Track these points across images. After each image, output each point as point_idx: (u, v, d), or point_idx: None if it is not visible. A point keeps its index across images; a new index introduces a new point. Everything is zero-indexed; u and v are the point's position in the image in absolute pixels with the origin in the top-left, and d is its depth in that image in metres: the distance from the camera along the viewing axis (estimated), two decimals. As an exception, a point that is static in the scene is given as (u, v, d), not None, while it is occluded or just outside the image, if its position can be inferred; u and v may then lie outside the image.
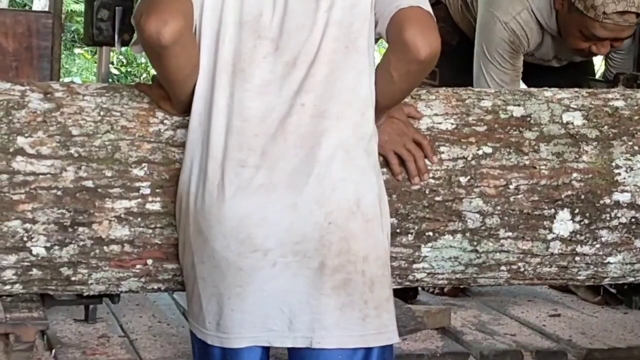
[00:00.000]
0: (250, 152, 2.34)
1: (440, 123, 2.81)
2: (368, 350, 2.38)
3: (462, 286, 3.64)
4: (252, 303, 2.33)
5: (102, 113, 2.63)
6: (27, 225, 2.54)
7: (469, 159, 2.77)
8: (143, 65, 13.07)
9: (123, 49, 3.73)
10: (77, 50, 13.25)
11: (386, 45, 2.47)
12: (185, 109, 2.58)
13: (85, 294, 2.76)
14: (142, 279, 2.71)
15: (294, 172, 2.32)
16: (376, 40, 2.54)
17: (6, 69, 3.05)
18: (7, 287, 2.63)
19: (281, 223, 2.30)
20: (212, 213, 2.33)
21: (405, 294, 3.72)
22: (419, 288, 4.06)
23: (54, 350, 2.98)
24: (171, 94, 2.57)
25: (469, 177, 2.77)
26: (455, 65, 4.18)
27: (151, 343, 3.14)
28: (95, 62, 12.08)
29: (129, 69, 13.41)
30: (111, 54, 3.87)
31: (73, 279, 2.66)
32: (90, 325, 3.26)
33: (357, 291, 2.34)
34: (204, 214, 2.35)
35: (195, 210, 2.38)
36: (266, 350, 2.43)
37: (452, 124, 2.82)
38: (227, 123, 2.38)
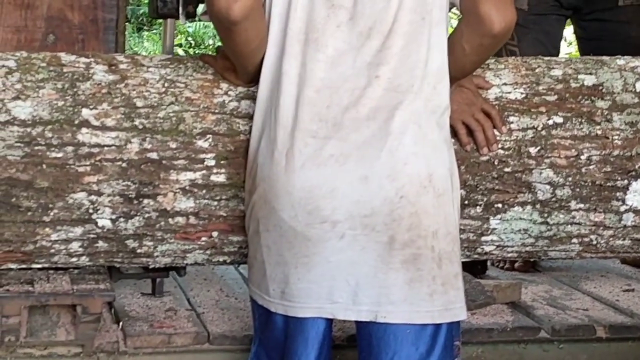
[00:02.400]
0: (322, 123, 2.31)
1: (509, 93, 2.75)
2: (436, 326, 2.34)
3: (532, 259, 3.58)
4: (319, 274, 2.30)
5: (166, 84, 2.62)
6: (93, 197, 2.54)
7: (539, 129, 2.71)
8: (211, 46, 13.12)
9: (187, 21, 3.70)
10: (145, 33, 13.35)
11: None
12: (251, 80, 2.56)
13: (151, 266, 2.75)
14: (208, 252, 2.70)
15: (365, 144, 2.28)
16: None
17: (72, 42, 3.04)
18: (74, 259, 2.64)
19: (351, 195, 2.27)
20: (280, 183, 2.30)
21: (474, 269, 3.67)
22: (488, 264, 4.01)
23: (121, 323, 2.98)
24: (237, 65, 2.55)
25: (539, 148, 2.71)
26: None
27: (218, 317, 3.12)
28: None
29: (197, 51, 13.47)
30: (179, 35, 3.87)
31: (139, 251, 2.65)
32: (157, 298, 3.26)
33: (426, 267, 2.31)
34: (271, 183, 2.33)
35: (263, 179, 2.36)
36: (329, 322, 2.40)
37: (522, 93, 2.75)
38: (298, 93, 2.35)
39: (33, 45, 3.00)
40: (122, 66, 2.64)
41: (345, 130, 2.30)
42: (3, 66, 2.55)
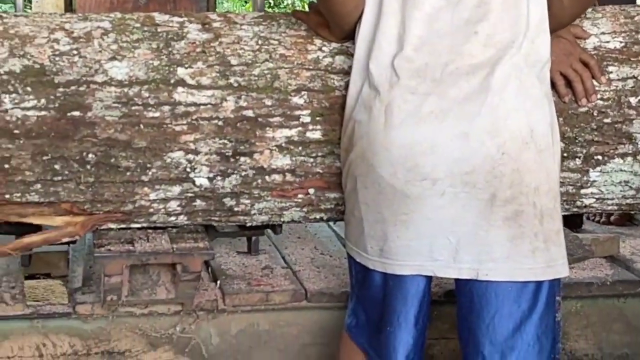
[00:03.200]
0: (421, 79, 2.28)
1: (608, 42, 2.68)
2: (538, 283, 2.31)
3: (632, 212, 3.50)
4: (418, 231, 2.28)
5: (260, 42, 2.61)
6: (190, 156, 2.55)
7: (640, 78, 2.64)
8: (290, 5, 13.08)
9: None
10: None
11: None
12: (345, 36, 2.54)
13: (248, 224, 2.76)
14: (304, 209, 2.70)
15: (465, 100, 2.25)
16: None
17: (164, 2, 3.05)
18: (172, 218, 2.66)
19: (451, 153, 2.24)
20: (379, 140, 2.28)
21: (570, 223, 3.61)
22: (584, 217, 3.94)
23: (218, 281, 3.00)
24: (332, 24, 2.53)
25: (639, 98, 2.63)
26: None
27: (314, 274, 3.13)
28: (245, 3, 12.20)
29: (276, 11, 13.44)
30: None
31: (236, 209, 2.66)
32: (253, 257, 3.27)
33: (528, 223, 2.27)
34: (370, 141, 2.30)
35: (361, 136, 2.33)
36: (429, 280, 2.39)
37: (621, 42, 2.68)
38: (396, 51, 2.33)
39: (126, 6, 3.02)
40: (215, 25, 2.63)
41: (445, 86, 2.26)
42: (98, 27, 2.57)
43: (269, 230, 3.05)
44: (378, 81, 2.32)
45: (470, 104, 2.24)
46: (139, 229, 2.71)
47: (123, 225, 2.67)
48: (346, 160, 2.43)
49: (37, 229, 2.74)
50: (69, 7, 3.44)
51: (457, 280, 2.35)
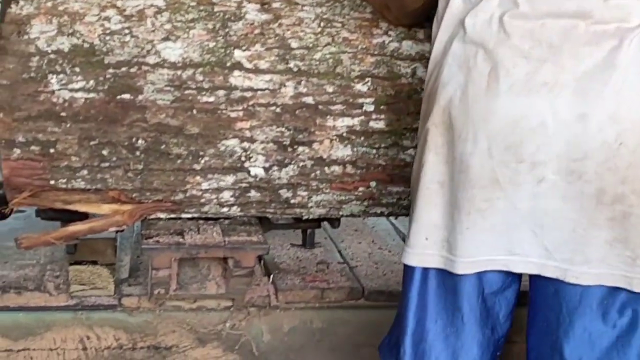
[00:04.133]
0: (535, 42, 1.95)
1: None
2: (630, 294, 2.02)
3: None
4: (498, 222, 1.99)
5: (322, 24, 2.45)
6: (245, 145, 2.40)
7: None
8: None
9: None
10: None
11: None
12: (412, 21, 2.37)
13: (305, 217, 2.61)
14: (365, 203, 2.54)
15: (586, 75, 1.92)
16: None
17: (221, -20, 2.88)
18: (225, 209, 2.51)
19: (562, 134, 1.92)
20: (477, 107, 1.95)
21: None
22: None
23: (272, 276, 2.85)
24: (398, 5, 2.35)
25: None
26: None
27: (372, 270, 2.97)
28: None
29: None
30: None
31: (292, 201, 2.51)
32: (308, 250, 3.12)
33: (634, 228, 1.97)
34: (463, 107, 1.97)
35: (447, 100, 2.01)
36: (505, 274, 2.10)
37: None
38: (509, 4, 1.98)
39: (181, -17, 2.85)
40: (275, 5, 2.47)
41: (563, 55, 1.93)
42: (152, 5, 2.41)
43: (326, 223, 2.89)
44: (481, 37, 1.99)
45: (592, 81, 1.91)
46: (189, 219, 2.57)
47: (173, 215, 2.53)
48: (422, 129, 2.11)
49: (83, 216, 2.62)
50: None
51: (534, 277, 2.08)
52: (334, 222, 2.81)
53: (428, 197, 2.07)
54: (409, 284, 2.17)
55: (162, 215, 2.52)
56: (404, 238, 3.02)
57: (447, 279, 2.12)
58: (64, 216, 2.59)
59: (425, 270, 2.13)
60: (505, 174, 1.96)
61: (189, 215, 2.54)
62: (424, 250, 2.10)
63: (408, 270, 2.17)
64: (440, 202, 2.06)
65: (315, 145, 2.43)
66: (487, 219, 2.00)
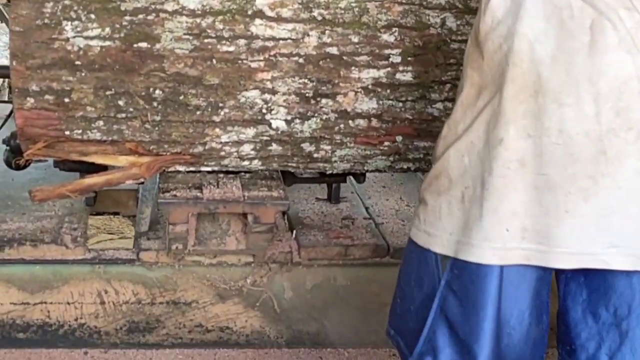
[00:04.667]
0: None
1: None
2: None
3: None
4: (600, 205, 1.67)
5: (348, -30, 2.34)
6: (266, 96, 2.31)
7: None
8: None
9: None
10: None
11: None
12: None
13: (329, 172, 2.52)
14: (390, 158, 2.45)
15: None
16: None
17: None
18: (246, 162, 2.43)
19: None
20: (580, 67, 1.62)
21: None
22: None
23: (294, 231, 2.77)
24: None
25: None
26: None
27: (399, 228, 2.88)
28: None
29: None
30: None
31: (315, 155, 2.42)
32: (333, 205, 3.03)
33: None
34: (560, 68, 1.63)
35: (539, 62, 1.64)
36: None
37: None
38: None
39: None
40: (299, -50, 2.37)
41: None
42: (171, -51, 2.32)
43: (352, 178, 2.81)
44: None
45: None
46: (209, 172, 2.49)
47: (192, 168, 2.45)
48: (479, 98, 1.74)
49: (102, 168, 2.55)
50: None
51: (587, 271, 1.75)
52: (359, 177, 2.73)
53: (508, 179, 1.69)
54: (481, 287, 1.76)
55: (180, 168, 2.44)
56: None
57: (529, 273, 1.78)
58: (83, 167, 2.52)
59: (503, 268, 1.76)
60: (613, 144, 1.64)
61: (209, 169, 2.46)
62: (504, 244, 1.72)
63: (478, 270, 1.76)
64: (522, 185, 1.69)
65: (340, 98, 2.33)
66: (589, 201, 1.67)
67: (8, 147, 2.81)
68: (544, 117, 1.65)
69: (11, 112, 2.43)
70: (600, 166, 1.64)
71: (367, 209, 3.03)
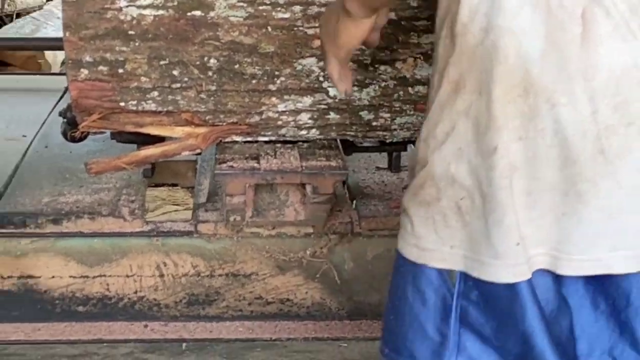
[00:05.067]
0: None
1: None
2: None
3: None
4: (601, 207, 1.53)
5: None
6: (323, 63, 2.25)
7: None
8: None
9: None
10: None
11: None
12: None
13: (388, 140, 2.47)
14: (452, 125, 2.38)
15: None
16: None
17: None
18: (303, 132, 2.38)
19: None
20: (572, 62, 1.46)
21: None
22: None
23: (354, 201, 2.71)
24: None
25: None
26: None
27: (461, 195, 2.79)
28: None
29: None
30: None
31: (374, 124, 2.37)
32: (393, 174, 2.96)
33: None
34: (551, 64, 1.46)
35: (526, 58, 1.46)
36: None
37: None
38: None
39: None
40: None
41: None
42: None
43: (412, 146, 2.74)
44: None
45: None
46: (266, 142, 2.44)
47: (249, 138, 2.41)
48: (458, 102, 1.53)
49: (158, 139, 2.52)
50: None
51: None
52: (421, 144, 2.65)
53: (508, 189, 1.53)
54: (509, 302, 1.60)
55: (237, 139, 2.41)
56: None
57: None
58: (139, 139, 2.49)
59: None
60: (612, 142, 1.50)
61: (266, 139, 2.42)
62: (517, 259, 1.56)
63: (498, 287, 1.60)
64: (517, 192, 1.53)
65: (398, 64, 2.28)
66: (588, 205, 1.54)
67: (65, 120, 2.80)
68: (536, 119, 1.48)
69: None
70: (599, 167, 1.49)
71: (429, 177, 2.95)
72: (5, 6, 7.47)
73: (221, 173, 2.29)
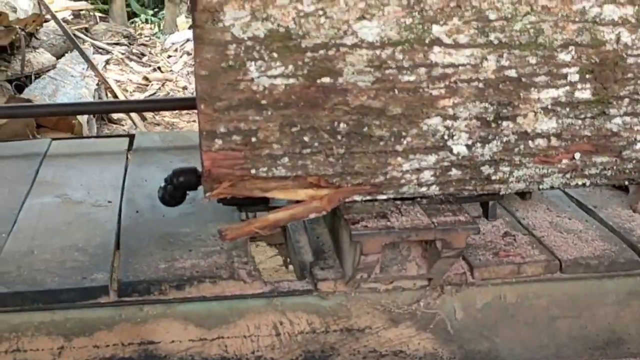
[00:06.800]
0: None
1: None
2: None
3: None
4: None
5: (518, -7, 2.36)
6: (448, 122, 2.33)
7: None
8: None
9: None
10: None
11: None
12: None
13: (502, 193, 2.53)
14: (567, 175, 2.46)
15: None
16: None
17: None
18: (423, 188, 2.45)
19: None
20: None
21: None
22: None
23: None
24: None
25: None
26: None
27: (562, 241, 2.87)
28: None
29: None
30: None
31: (493, 177, 2.44)
32: (488, 222, 3.03)
33: None
34: None
35: None
36: None
37: None
38: None
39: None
40: (466, -25, 2.38)
41: None
42: (342, -16, 2.34)
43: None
44: None
45: None
46: (384, 200, 2.51)
47: (368, 197, 2.47)
48: None
49: (264, 201, 2.58)
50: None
51: None
52: (525, 194, 2.74)
53: None
54: None
55: (358, 198, 2.47)
56: (579, 203, 2.93)
57: None
58: (240, 200, 2.54)
59: None
60: None
61: (385, 197, 2.48)
62: None
63: None
64: None
65: (520, 119, 2.35)
66: None
67: (170, 185, 2.85)
68: None
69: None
70: None
71: (520, 222, 3.03)
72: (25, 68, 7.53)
73: (358, 233, 2.35)
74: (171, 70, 12.99)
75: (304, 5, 2.30)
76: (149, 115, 9.04)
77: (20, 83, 7.48)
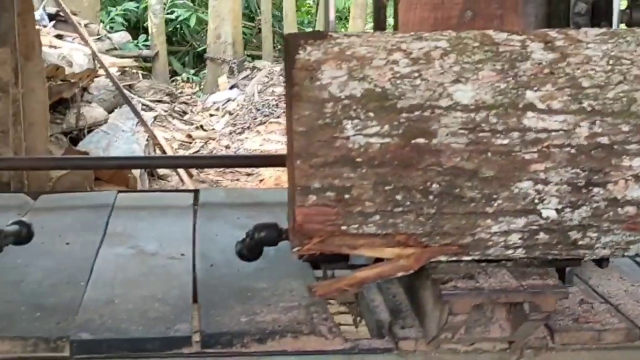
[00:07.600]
0: None
1: None
2: None
3: None
4: None
5: (611, 62, 2.40)
6: (539, 187, 2.36)
7: None
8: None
9: None
10: None
11: None
12: None
13: (586, 259, 2.55)
14: (656, 243, 2.48)
15: None
16: None
17: (491, 17, 2.83)
18: (510, 251, 2.47)
19: None
20: None
21: None
22: None
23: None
24: None
25: None
26: None
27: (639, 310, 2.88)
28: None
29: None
30: None
31: (580, 243, 2.45)
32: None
33: None
34: None
35: None
36: None
37: None
38: None
39: (450, 22, 2.82)
40: (558, 43, 2.43)
41: None
42: (436, 47, 2.40)
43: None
44: None
45: None
46: (468, 261, 2.53)
47: (454, 258, 2.49)
48: None
49: (344, 258, 2.61)
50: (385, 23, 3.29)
51: None
52: (602, 262, 2.75)
53: None
54: None
55: (442, 258, 2.49)
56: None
57: None
58: (320, 257, 2.57)
59: None
60: None
61: (470, 258, 2.50)
62: None
63: None
64: None
65: (610, 186, 2.37)
66: None
67: (250, 239, 2.89)
68: None
69: None
70: None
71: (594, 290, 3.04)
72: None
73: (448, 293, 2.37)
74: (213, 129, 13.13)
75: (399, 66, 2.36)
76: (193, 171, 9.13)
77: (73, 136, 7.60)
